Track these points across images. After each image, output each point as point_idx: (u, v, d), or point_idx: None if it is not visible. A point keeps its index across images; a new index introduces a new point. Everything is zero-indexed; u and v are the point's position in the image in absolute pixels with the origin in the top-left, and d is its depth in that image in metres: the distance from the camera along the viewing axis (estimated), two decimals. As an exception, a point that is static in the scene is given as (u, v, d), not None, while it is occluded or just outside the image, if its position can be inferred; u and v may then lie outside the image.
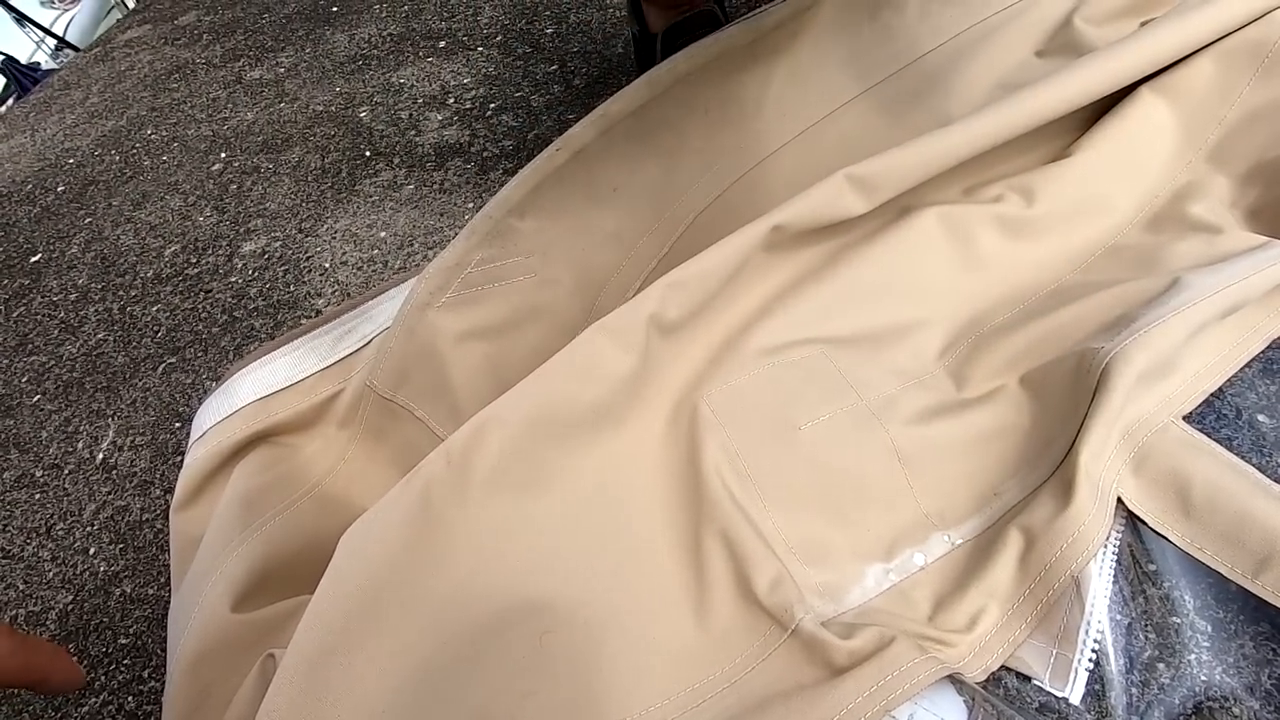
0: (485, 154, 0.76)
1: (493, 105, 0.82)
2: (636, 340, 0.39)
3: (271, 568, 0.38)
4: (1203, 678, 0.31)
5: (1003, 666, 0.33)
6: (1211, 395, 0.40)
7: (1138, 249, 0.47)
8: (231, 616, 0.33)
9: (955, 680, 0.32)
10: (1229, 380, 0.40)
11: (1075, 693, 0.32)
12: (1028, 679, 0.33)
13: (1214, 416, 0.39)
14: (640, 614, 0.34)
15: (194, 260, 0.73)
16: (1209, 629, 0.33)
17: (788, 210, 0.43)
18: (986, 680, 0.33)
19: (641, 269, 0.51)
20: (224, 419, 0.43)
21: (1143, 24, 0.61)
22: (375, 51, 1.00)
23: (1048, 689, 0.32)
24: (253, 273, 0.69)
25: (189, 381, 0.60)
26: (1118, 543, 0.35)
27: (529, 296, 0.45)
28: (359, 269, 0.66)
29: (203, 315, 0.66)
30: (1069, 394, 0.39)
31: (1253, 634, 0.32)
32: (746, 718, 0.31)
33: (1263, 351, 0.41)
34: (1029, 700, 0.32)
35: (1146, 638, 0.33)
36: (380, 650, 0.29)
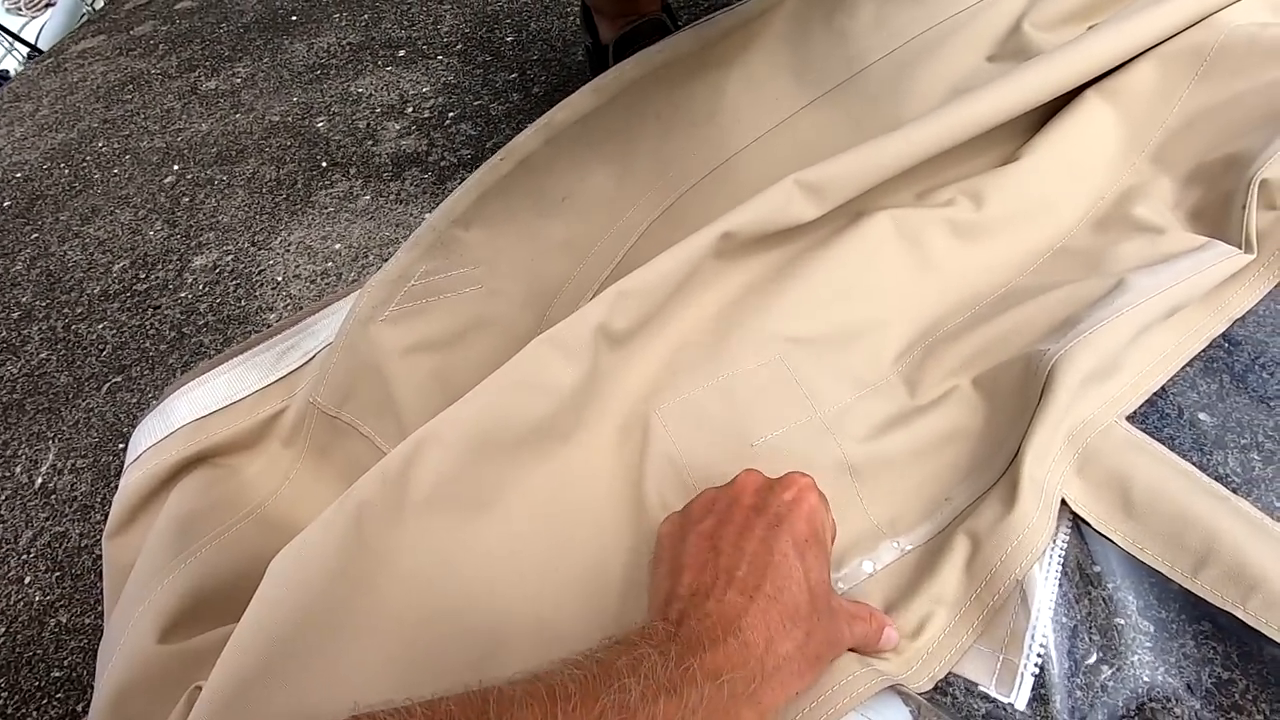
0: (443, 163, 0.75)
1: (451, 114, 0.82)
2: (584, 351, 0.39)
3: (207, 595, 0.36)
4: (1145, 678, 0.31)
5: (950, 674, 0.33)
6: (1154, 395, 0.40)
7: (1084, 251, 0.47)
8: (157, 648, 0.31)
9: (900, 690, 0.32)
10: (1171, 379, 0.41)
11: (1020, 698, 0.32)
12: (974, 686, 0.32)
13: (1156, 416, 0.40)
14: (589, 636, 0.33)
15: (143, 275, 0.71)
16: (1151, 629, 0.33)
17: (737, 217, 0.43)
18: (934, 689, 0.32)
19: (595, 278, 0.50)
20: (160, 440, 0.41)
21: (1091, 28, 0.62)
22: (334, 61, 0.98)
23: (993, 695, 0.32)
24: (203, 287, 0.68)
25: (134, 401, 0.59)
26: (1064, 545, 0.35)
27: (476, 308, 0.44)
28: (312, 282, 0.65)
29: (150, 332, 0.65)
30: (1017, 397, 0.39)
31: (1194, 633, 0.32)
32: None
33: (1203, 351, 0.41)
34: (976, 708, 0.32)
35: (1090, 640, 0.33)
36: (305, 683, 0.28)
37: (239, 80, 0.99)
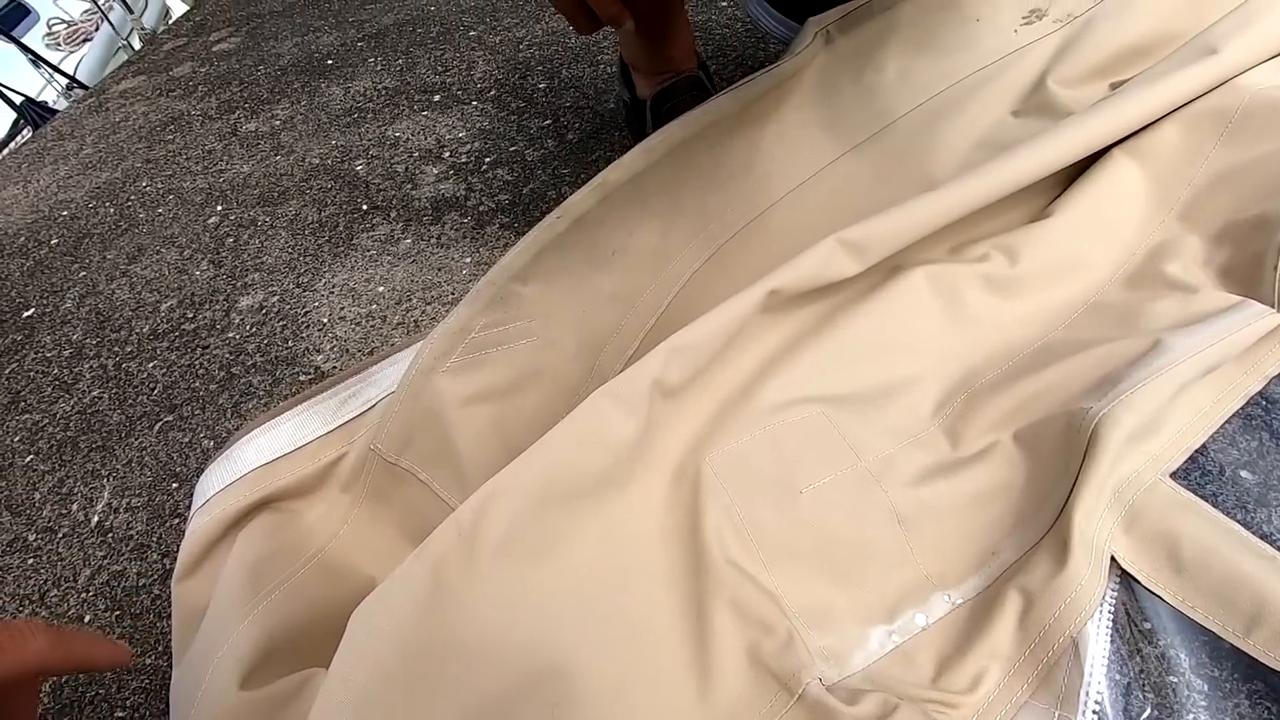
0: (481, 208, 0.77)
1: (488, 159, 0.84)
2: (640, 405, 0.40)
3: (279, 640, 0.37)
4: (1201, 738, 0.32)
5: (1007, 730, 0.33)
6: (1195, 452, 0.41)
7: (1118, 306, 0.49)
8: (241, 694, 0.32)
9: (961, 745, 0.32)
10: (1211, 437, 0.42)
11: (1079, 754, 0.32)
12: (1032, 742, 0.33)
13: (1199, 473, 0.41)
14: (646, 684, 0.34)
15: (190, 315, 0.73)
16: (1205, 687, 0.34)
17: (783, 275, 0.45)
18: (991, 743, 0.33)
19: (640, 328, 0.52)
20: (228, 486, 0.43)
21: (1112, 85, 0.64)
22: (370, 104, 1.02)
23: (1052, 751, 0.33)
24: (250, 328, 0.70)
25: (186, 440, 0.60)
26: (1113, 602, 0.36)
27: (531, 359, 0.46)
28: (357, 324, 0.67)
29: (200, 372, 0.66)
30: (1060, 453, 0.41)
31: (1247, 692, 0.33)
32: (757, 789, 0.31)
33: (1241, 408, 0.43)
34: (1034, 764, 0.32)
35: (1145, 697, 0.34)
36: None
37: (278, 122, 1.03)
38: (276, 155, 0.96)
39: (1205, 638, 0.35)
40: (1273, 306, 0.44)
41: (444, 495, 0.43)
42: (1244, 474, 0.40)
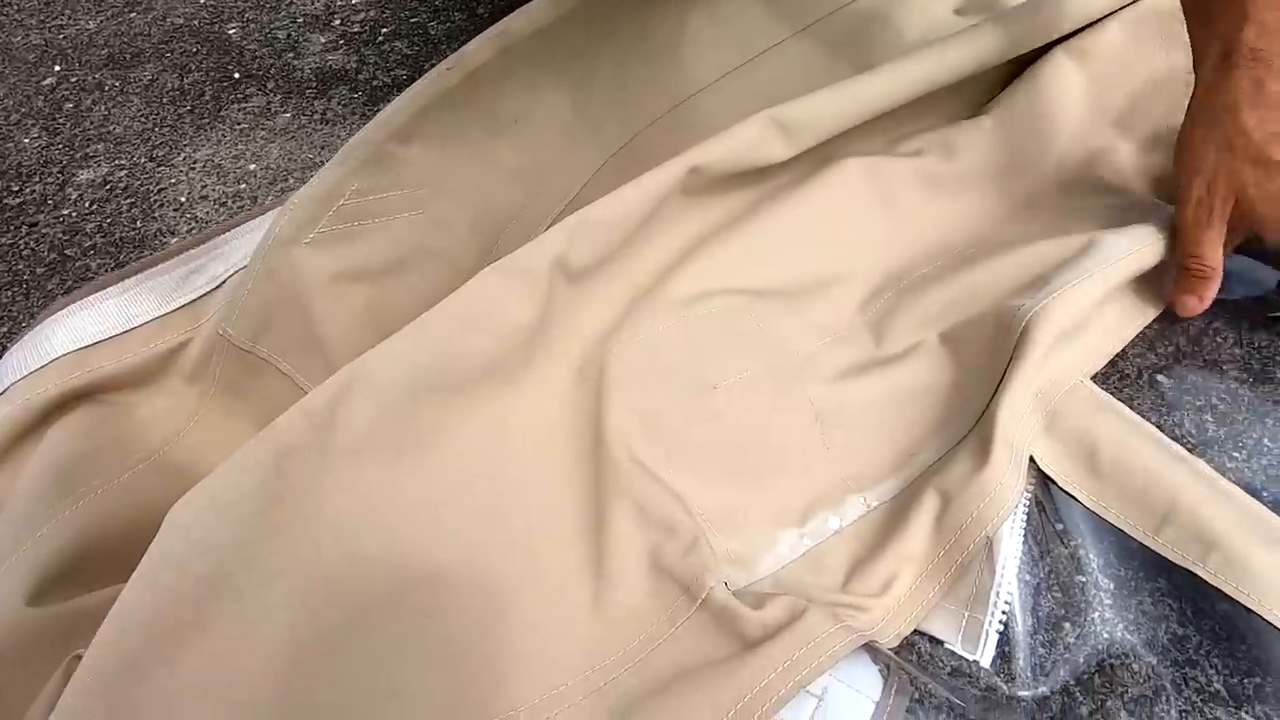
0: (375, 83, 0.68)
1: (385, 30, 0.74)
2: (539, 286, 0.35)
3: (92, 551, 0.31)
4: (1105, 635, 0.31)
5: (916, 631, 0.32)
6: (1115, 355, 0.40)
7: (1052, 208, 0.46)
8: (28, 611, 0.27)
9: (869, 649, 0.30)
10: (1130, 342, 0.41)
11: (986, 655, 0.31)
12: (940, 643, 0.32)
13: (1117, 377, 0.40)
14: (536, 591, 0.31)
15: (15, 189, 0.62)
16: (1111, 586, 0.33)
17: (707, 151, 0.40)
18: (900, 646, 0.32)
19: (548, 211, 0.46)
20: (33, 372, 0.35)
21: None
22: (249, -39, 0.87)
23: (959, 652, 0.31)
24: (90, 205, 0.59)
25: (4, 332, 0.51)
26: (1028, 503, 0.35)
27: (416, 235, 0.40)
28: (222, 204, 0.58)
29: (25, 253, 0.56)
30: (988, 352, 0.38)
31: (1150, 590, 0.33)
32: (652, 700, 0.28)
33: (1162, 313, 0.42)
34: (941, 664, 0.31)
35: (1054, 596, 0.33)
36: (211, 654, 0.24)
37: (135, -26, 0.87)
38: (131, 12, 0.81)
39: (1114, 538, 0.34)
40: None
41: (309, 388, 0.37)
42: (1160, 378, 0.39)
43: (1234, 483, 0.34)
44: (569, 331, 0.37)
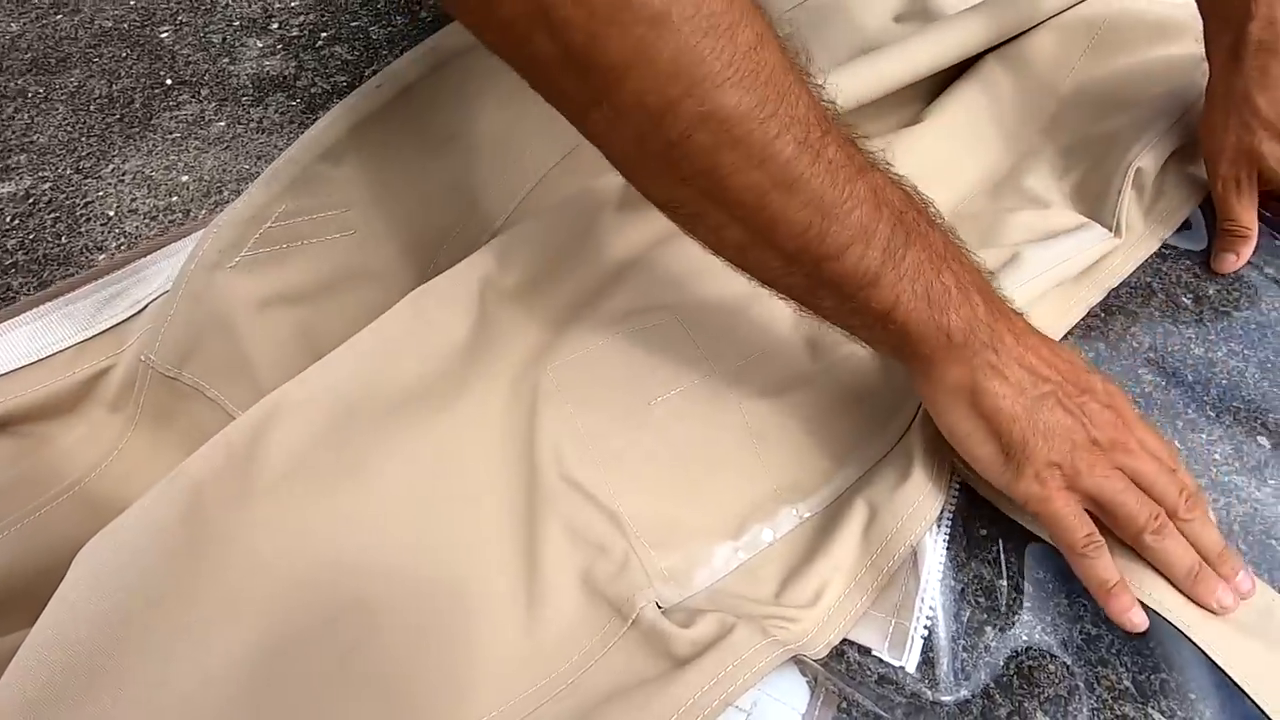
0: (314, 89, 0.66)
1: (325, 34, 0.72)
2: (470, 306, 0.35)
3: (10, 590, 0.30)
4: (1024, 638, 0.33)
5: (844, 640, 0.33)
6: (1039, 362, 0.42)
7: (979, 216, 0.48)
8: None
9: (797, 661, 0.31)
10: (1053, 347, 0.42)
11: (911, 661, 0.32)
12: (868, 652, 0.32)
13: (1040, 382, 0.41)
14: (469, 617, 0.31)
15: (-69, 203, 0.59)
16: (1030, 589, 0.34)
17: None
18: (829, 656, 0.32)
19: (485, 228, 0.46)
20: (-58, 405, 0.34)
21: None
22: (182, -39, 0.85)
23: (886, 659, 0.32)
24: (12, 220, 0.57)
25: (-80, 354, 0.49)
26: (953, 510, 0.36)
27: (348, 256, 0.39)
28: (152, 218, 0.56)
29: (-59, 272, 0.54)
30: None
31: (1067, 592, 0.34)
32: (587, 719, 0.29)
33: (1082, 319, 0.43)
34: (869, 673, 0.32)
35: (976, 602, 0.34)
36: (126, 702, 0.23)
37: (60, -26, 0.84)
38: (57, 14, 0.78)
39: (1033, 542, 0.35)
40: (1112, 228, 0.45)
41: (238, 415, 0.36)
42: (1080, 384, 0.41)
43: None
44: (502, 351, 0.37)
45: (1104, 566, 0.30)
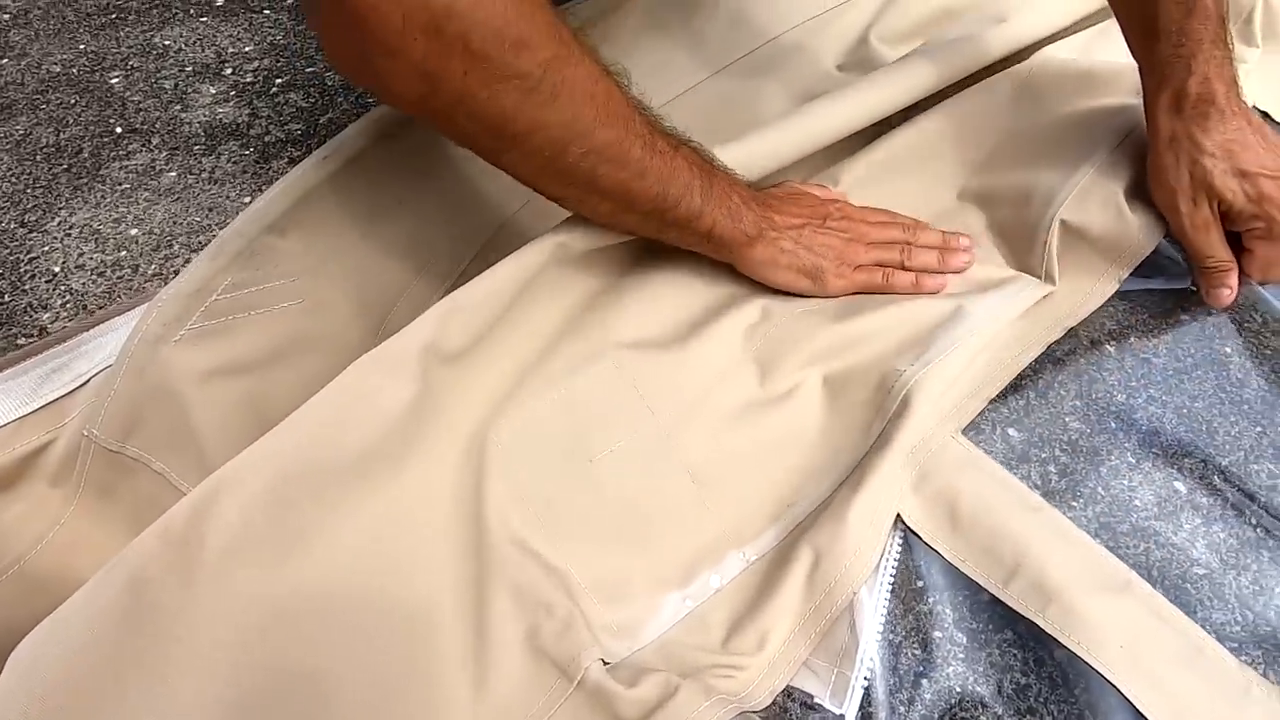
0: (268, 138, 0.67)
1: (279, 80, 0.73)
2: (411, 372, 0.36)
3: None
4: (958, 689, 0.34)
5: (788, 693, 0.34)
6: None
7: None
8: None
9: (741, 717, 0.32)
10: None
11: (850, 710, 0.33)
12: (810, 707, 0.34)
13: (973, 430, 0.43)
14: (419, 685, 0.31)
15: None
16: (964, 639, 0.36)
17: (573, 228, 0.41)
18: (772, 709, 0.33)
19: (438, 287, 0.46)
20: (-126, 487, 0.34)
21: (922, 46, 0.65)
22: (134, 3, 0.84)
23: (827, 707, 0.33)
24: (-47, 277, 0.56)
25: None
26: (896, 560, 0.37)
27: (297, 324, 0.39)
28: (100, 274, 0.55)
29: (-123, 333, 0.52)
30: (865, 408, 0.41)
31: (998, 641, 0.35)
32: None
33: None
34: (810, 730, 0.33)
35: (913, 654, 0.35)
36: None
37: (7, 17, 0.83)
38: (2, 58, 0.77)
39: (967, 592, 0.37)
40: (1040, 275, 0.47)
41: (185, 487, 0.36)
42: (1011, 431, 0.43)
43: (1070, 533, 0.37)
44: (448, 417, 0.37)
45: (900, 284, 0.46)
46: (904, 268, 0.46)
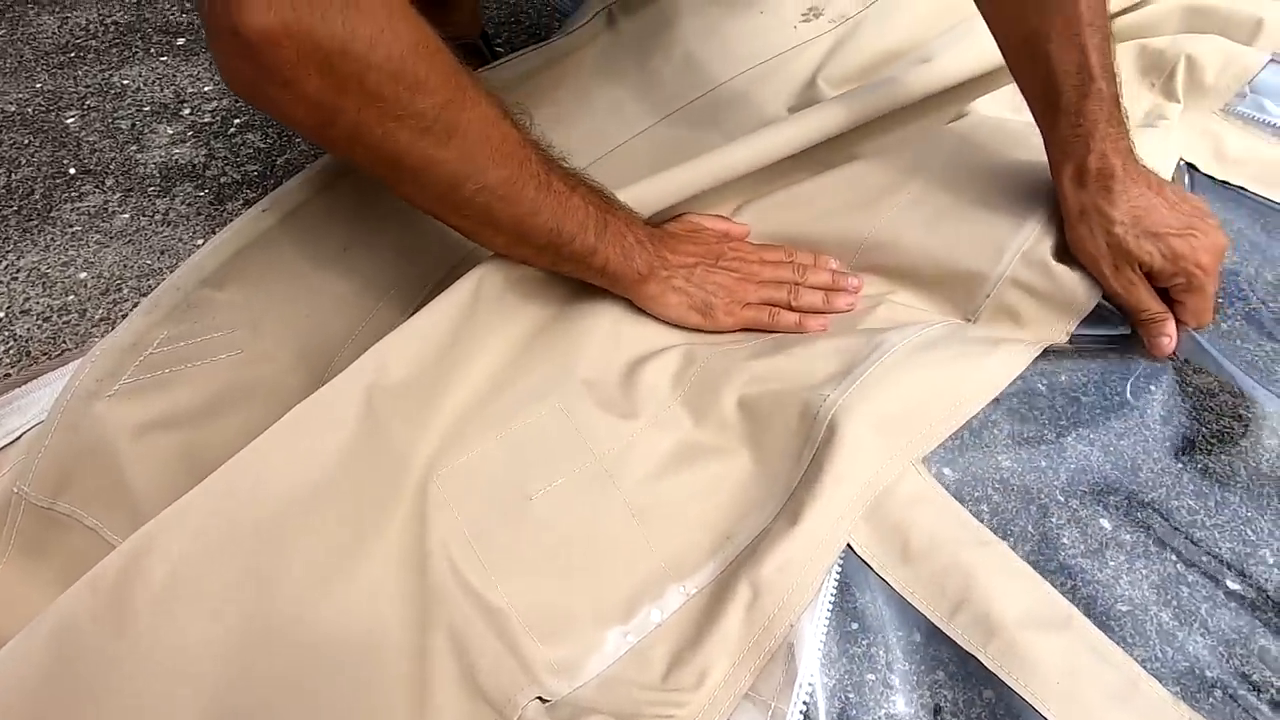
0: (224, 179, 0.67)
1: (237, 121, 0.73)
2: (353, 413, 0.36)
3: None
4: (892, 728, 0.35)
5: (726, 722, 0.34)
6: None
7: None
8: None
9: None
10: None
11: (787, 746, 0.34)
12: (745, 750, 0.34)
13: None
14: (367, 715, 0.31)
15: None
16: (896, 681, 0.36)
17: (496, 272, 0.42)
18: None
19: (384, 328, 0.47)
20: None
21: (859, 88, 0.67)
22: (94, 42, 0.85)
23: (765, 746, 0.34)
24: (-106, 323, 0.55)
25: None
26: (834, 595, 0.38)
27: (235, 375, 0.40)
28: (45, 319, 0.55)
29: None
30: (794, 436, 0.41)
31: (930, 683, 0.36)
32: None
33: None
34: (743, 775, 0.33)
35: (847, 698, 0.36)
36: None
37: (-38, 55, 0.83)
38: (-44, 97, 0.77)
39: (902, 632, 0.37)
40: (971, 319, 0.48)
41: (119, 542, 0.36)
42: (946, 471, 0.44)
43: (1000, 573, 0.38)
44: (390, 457, 0.37)
45: (785, 323, 0.48)
46: (790, 307, 0.48)
